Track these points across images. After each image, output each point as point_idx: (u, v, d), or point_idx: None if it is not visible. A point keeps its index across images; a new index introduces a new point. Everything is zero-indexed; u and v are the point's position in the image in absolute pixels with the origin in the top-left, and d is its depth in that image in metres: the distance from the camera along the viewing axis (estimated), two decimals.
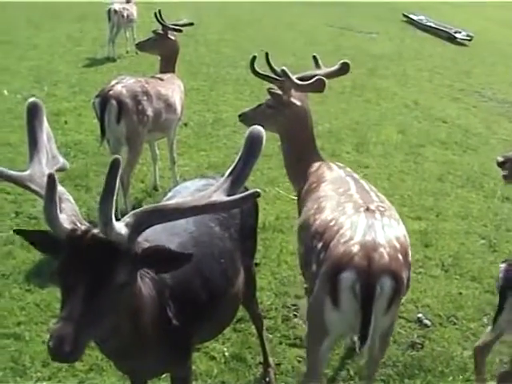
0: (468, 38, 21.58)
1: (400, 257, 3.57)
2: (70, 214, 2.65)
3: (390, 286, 3.47)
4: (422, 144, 10.52)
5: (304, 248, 4.22)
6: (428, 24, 23.66)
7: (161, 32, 7.88)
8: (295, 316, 5.64)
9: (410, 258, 3.82)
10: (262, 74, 5.28)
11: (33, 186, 2.77)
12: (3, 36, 16.03)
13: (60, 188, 2.73)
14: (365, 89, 13.89)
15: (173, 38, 7.89)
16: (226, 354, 5.12)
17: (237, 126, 8.69)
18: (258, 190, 2.62)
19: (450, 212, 7.93)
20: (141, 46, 8.36)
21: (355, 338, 3.76)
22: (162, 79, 7.54)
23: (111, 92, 6.72)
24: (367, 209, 3.87)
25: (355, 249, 3.53)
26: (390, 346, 4.66)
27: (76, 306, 2.42)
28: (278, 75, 5.17)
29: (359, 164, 9.22)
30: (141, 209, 2.68)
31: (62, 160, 3.15)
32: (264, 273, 6.19)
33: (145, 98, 6.96)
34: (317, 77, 5.04)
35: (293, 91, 5.08)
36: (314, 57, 5.46)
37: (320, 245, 3.85)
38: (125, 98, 6.73)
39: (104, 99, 6.70)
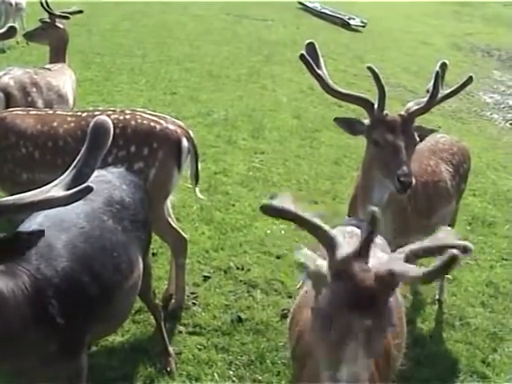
0: (362, 25, 22.00)
1: None
2: None
3: None
4: (317, 128, 10.65)
5: None
6: (323, 11, 23.97)
7: (48, 20, 7.69)
8: (194, 304, 5.63)
9: None
10: None
11: None
12: None
13: None
14: (260, 75, 13.96)
15: (61, 26, 7.71)
16: (126, 345, 5.06)
17: None
18: (91, 184, 2.60)
19: (346, 195, 8.01)
20: (29, 36, 8.15)
21: None
22: (51, 70, 7.35)
23: None
24: None
25: None
26: None
27: None
28: None
29: (255, 150, 9.28)
30: None
31: None
32: (161, 262, 6.14)
33: (34, 89, 6.75)
34: None
35: None
36: None
37: None
38: (12, 90, 6.51)
39: None
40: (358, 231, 3.79)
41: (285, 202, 2.52)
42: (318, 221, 2.57)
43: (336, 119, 4.53)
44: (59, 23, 7.74)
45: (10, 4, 14.32)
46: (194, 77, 13.24)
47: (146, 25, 18.23)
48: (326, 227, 2.54)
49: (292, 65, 14.53)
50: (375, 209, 2.44)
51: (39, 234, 2.68)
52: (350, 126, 4.49)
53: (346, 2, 26.51)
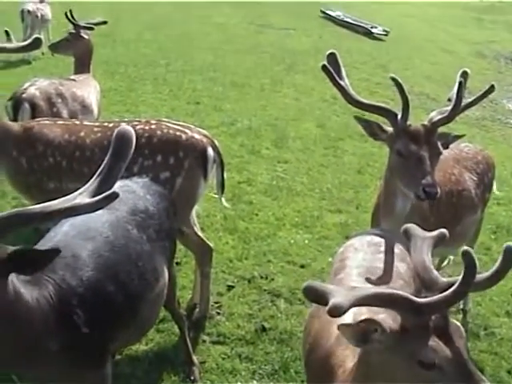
0: (384, 33, 21.96)
1: None
2: None
3: None
4: (340, 137, 10.65)
5: None
6: (345, 20, 23.94)
7: (73, 31, 7.77)
8: (218, 313, 5.64)
9: None
10: None
11: None
12: None
13: None
14: (283, 85, 14.00)
15: (86, 37, 7.79)
16: (150, 354, 5.07)
17: None
18: (117, 191, 2.64)
19: (369, 204, 7.92)
20: (54, 48, 8.21)
21: None
22: (76, 80, 7.41)
23: (24, 95, 6.55)
24: None
25: None
26: None
27: None
28: None
29: (279, 159, 9.31)
30: (2, 213, 2.62)
31: None
32: (185, 271, 6.16)
33: (59, 100, 6.81)
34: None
35: None
36: (6, 31, 5.49)
37: None
38: (38, 101, 6.56)
39: (17, 102, 6.51)
40: (378, 240, 3.80)
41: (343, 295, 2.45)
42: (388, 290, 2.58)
43: (356, 117, 4.53)
44: (84, 34, 7.81)
45: (37, 16, 14.44)
46: (218, 86, 13.29)
47: (170, 35, 18.32)
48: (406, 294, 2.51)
49: (315, 74, 14.52)
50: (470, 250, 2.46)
51: (54, 252, 2.69)
52: (370, 128, 4.48)
53: (369, 10, 26.50)
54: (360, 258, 3.66)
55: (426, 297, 2.48)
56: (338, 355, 2.90)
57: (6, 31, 5.48)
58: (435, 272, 2.71)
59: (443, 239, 2.94)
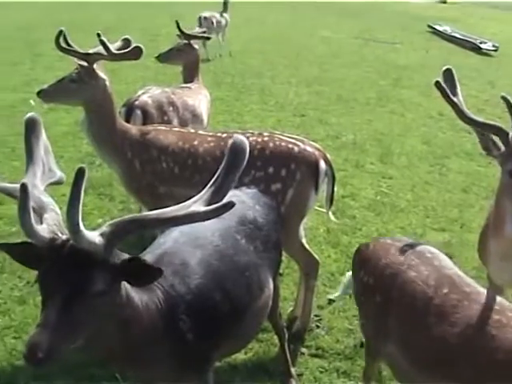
0: (493, 49, 21.48)
1: None
2: (52, 224, 2.68)
3: None
4: (446, 155, 10.46)
5: None
6: (453, 35, 23.59)
7: (186, 42, 7.94)
8: (317, 327, 5.62)
9: None
10: (66, 49, 5.52)
11: None
12: (32, 48, 16.19)
13: (46, 199, 2.79)
14: (389, 100, 13.89)
15: (196, 47, 7.98)
16: (249, 364, 5.09)
17: None
18: (233, 200, 2.67)
19: (474, 224, 7.80)
20: (162, 58, 8.26)
21: None
22: (189, 89, 7.56)
23: (137, 102, 6.73)
24: None
25: None
26: None
27: (52, 314, 2.49)
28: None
29: (383, 175, 9.23)
30: (119, 218, 2.70)
31: (58, 173, 3.19)
32: (287, 283, 6.17)
33: (170, 108, 6.96)
34: (134, 44, 5.53)
35: (96, 65, 5.40)
36: (98, 34, 5.56)
37: None
38: (150, 108, 6.74)
39: (129, 109, 6.71)
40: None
41: None
42: None
43: (475, 130, 4.43)
44: (194, 44, 7.98)
45: (212, 22, 16.08)
46: (323, 99, 13.34)
47: (276, 47, 18.46)
48: None
49: (421, 89, 14.38)
50: None
51: (160, 272, 2.73)
52: (485, 141, 4.37)
53: (477, 25, 25.98)
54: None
55: None
56: None
57: (98, 34, 5.64)
58: None
59: None
